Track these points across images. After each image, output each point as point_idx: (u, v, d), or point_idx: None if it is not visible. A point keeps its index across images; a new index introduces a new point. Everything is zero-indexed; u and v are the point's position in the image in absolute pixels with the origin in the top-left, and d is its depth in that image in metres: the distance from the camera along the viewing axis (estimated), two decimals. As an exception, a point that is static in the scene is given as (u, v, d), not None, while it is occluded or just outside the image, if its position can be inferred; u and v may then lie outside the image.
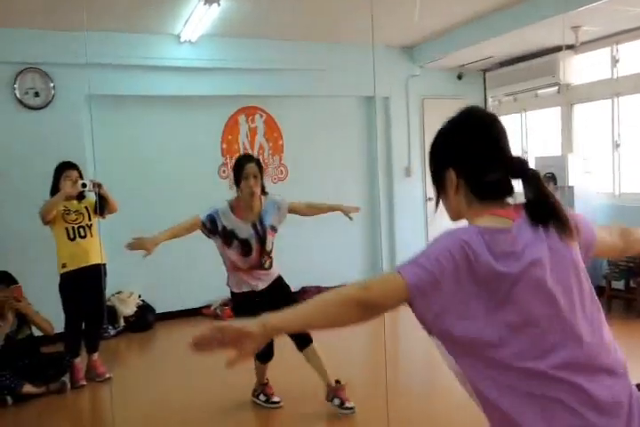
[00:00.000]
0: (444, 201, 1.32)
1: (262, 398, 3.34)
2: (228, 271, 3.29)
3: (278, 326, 1.15)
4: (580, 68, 5.47)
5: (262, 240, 3.21)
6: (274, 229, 3.29)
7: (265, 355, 3.24)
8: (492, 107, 6.73)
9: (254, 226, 3.18)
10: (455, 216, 1.31)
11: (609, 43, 5.18)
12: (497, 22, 5.01)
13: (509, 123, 6.58)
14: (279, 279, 3.36)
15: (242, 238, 3.14)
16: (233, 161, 3.28)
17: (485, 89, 6.75)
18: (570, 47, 5.22)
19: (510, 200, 1.27)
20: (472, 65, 6.35)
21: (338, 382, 3.20)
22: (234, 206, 3.18)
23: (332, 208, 3.45)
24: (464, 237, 1.14)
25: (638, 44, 5.01)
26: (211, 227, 3.16)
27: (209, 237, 3.24)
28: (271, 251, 3.30)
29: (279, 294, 3.29)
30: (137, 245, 3.09)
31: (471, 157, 1.26)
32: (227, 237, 3.15)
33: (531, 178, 1.22)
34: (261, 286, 3.26)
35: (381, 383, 3.15)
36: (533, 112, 6.22)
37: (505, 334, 1.12)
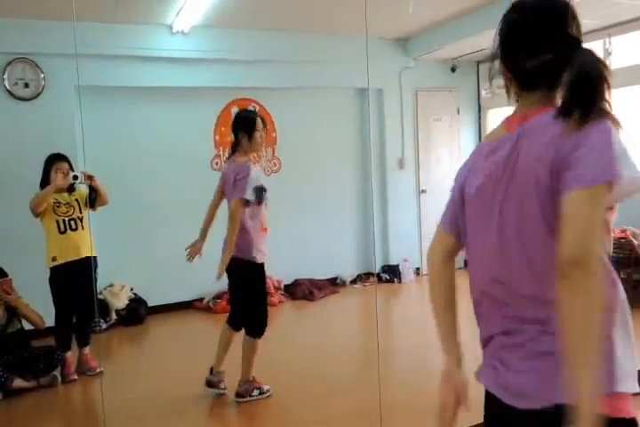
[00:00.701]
0: None
1: (256, 392, 3.31)
2: (254, 239, 3.26)
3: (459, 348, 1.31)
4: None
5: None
6: None
7: (263, 328, 3.27)
8: (484, 99, 6.72)
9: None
10: None
11: (602, 35, 5.17)
12: (491, 15, 4.98)
13: (502, 115, 6.57)
14: None
15: (265, 188, 3.27)
16: (236, 114, 3.50)
17: (479, 81, 6.74)
18: (563, 39, 5.21)
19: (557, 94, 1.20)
20: (465, 57, 6.33)
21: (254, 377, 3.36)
22: (250, 160, 3.32)
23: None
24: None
25: (631, 37, 5.01)
26: (257, 197, 3.22)
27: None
28: None
29: None
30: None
31: (502, 41, 1.26)
32: (260, 193, 3.23)
33: (583, 53, 1.14)
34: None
35: (374, 378, 3.16)
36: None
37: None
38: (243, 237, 3.23)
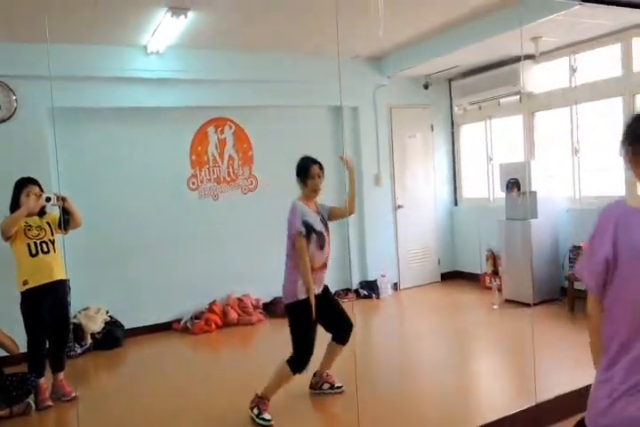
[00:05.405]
0: None
1: (326, 386, 3.55)
2: (294, 276, 3.31)
3: None
4: (540, 78, 5.62)
5: (328, 231, 3.46)
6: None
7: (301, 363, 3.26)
8: (457, 115, 6.86)
9: (321, 219, 3.46)
10: None
11: (567, 52, 5.35)
12: (461, 34, 5.12)
13: (475, 131, 6.71)
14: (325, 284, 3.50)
15: (317, 231, 3.36)
16: (297, 162, 3.61)
17: (451, 98, 6.87)
18: (531, 57, 5.37)
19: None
20: (438, 75, 6.47)
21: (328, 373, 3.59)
22: (303, 202, 3.44)
23: (352, 196, 3.68)
24: None
25: (595, 54, 5.18)
26: (305, 232, 3.31)
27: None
28: None
29: (327, 298, 3.45)
30: None
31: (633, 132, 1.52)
32: (307, 231, 3.31)
33: None
34: (317, 290, 3.36)
35: (352, 392, 3.14)
36: (498, 120, 6.36)
37: None
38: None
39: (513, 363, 4.06)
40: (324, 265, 3.42)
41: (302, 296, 3.24)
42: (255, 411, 3.22)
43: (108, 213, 5.18)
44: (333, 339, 3.50)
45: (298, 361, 3.23)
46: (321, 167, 3.51)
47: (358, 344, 3.43)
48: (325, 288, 3.49)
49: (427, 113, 6.80)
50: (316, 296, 3.28)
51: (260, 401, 3.24)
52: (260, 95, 5.72)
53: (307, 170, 3.46)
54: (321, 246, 3.36)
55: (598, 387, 1.40)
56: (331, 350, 3.51)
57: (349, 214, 3.73)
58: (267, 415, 3.18)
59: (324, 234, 3.41)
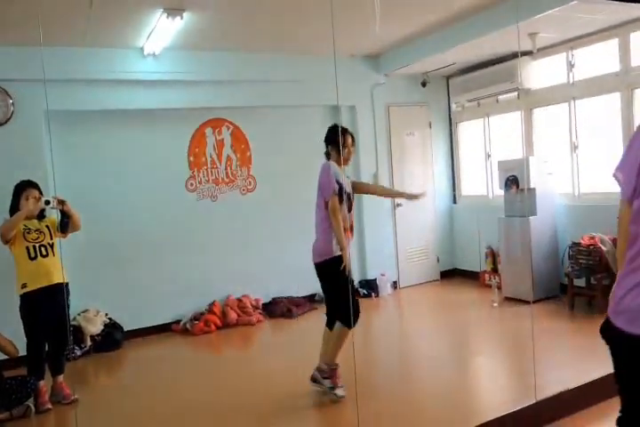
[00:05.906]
0: None
1: (327, 382, 3.43)
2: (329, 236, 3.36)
3: None
4: (538, 74, 5.60)
5: (353, 197, 3.58)
6: None
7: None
8: (455, 112, 6.84)
9: (349, 183, 3.56)
10: None
11: (565, 48, 5.33)
12: (458, 31, 5.11)
13: (473, 128, 6.69)
14: None
15: (347, 192, 3.47)
16: (327, 131, 3.68)
17: (449, 95, 6.86)
18: (528, 53, 5.35)
19: None
20: (435, 72, 6.45)
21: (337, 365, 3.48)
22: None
23: (390, 194, 4.00)
24: None
25: (592, 50, 5.17)
26: (337, 191, 3.38)
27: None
28: None
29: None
30: None
31: None
32: (339, 191, 3.39)
33: None
34: (348, 250, 3.42)
35: (352, 392, 3.13)
36: (496, 117, 6.34)
37: None
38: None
39: (513, 361, 4.05)
40: (351, 228, 3.50)
41: (338, 253, 3.33)
42: (328, 384, 3.32)
43: (107, 216, 5.18)
44: (327, 324, 3.50)
45: (347, 315, 3.29)
46: (352, 137, 3.61)
47: (358, 344, 3.42)
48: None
49: (424, 111, 6.79)
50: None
51: (330, 371, 3.32)
52: (257, 96, 5.71)
53: (340, 138, 3.50)
54: (349, 208, 3.48)
55: (618, 281, 1.54)
56: (326, 338, 3.50)
57: (375, 193, 4.11)
58: (340, 391, 3.30)
59: (351, 198, 3.51)
